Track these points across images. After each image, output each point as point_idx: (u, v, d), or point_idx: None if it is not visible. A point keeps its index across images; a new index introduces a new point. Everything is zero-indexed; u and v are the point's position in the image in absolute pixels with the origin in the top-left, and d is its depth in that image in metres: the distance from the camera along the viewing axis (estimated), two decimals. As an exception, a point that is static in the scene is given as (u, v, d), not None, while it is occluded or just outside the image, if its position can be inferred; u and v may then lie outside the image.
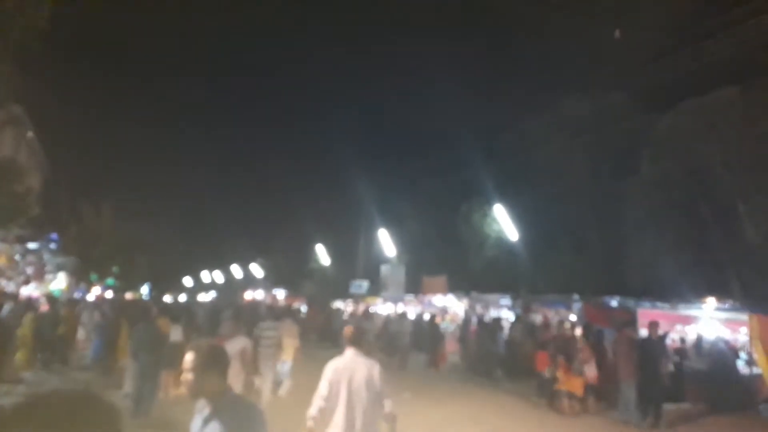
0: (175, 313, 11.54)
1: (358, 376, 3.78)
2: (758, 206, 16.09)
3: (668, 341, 11.47)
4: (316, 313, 23.78)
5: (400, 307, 22.71)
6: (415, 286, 23.88)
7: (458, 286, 21.49)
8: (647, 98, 20.41)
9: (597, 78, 22.39)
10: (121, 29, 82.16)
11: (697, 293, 13.60)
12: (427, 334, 16.08)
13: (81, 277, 32.36)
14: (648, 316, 11.33)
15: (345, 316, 21.78)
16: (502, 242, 23.13)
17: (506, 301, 19.09)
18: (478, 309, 19.60)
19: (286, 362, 9.76)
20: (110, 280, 36.73)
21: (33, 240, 23.73)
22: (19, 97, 16.32)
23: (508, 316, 17.70)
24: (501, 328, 15.16)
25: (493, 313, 18.44)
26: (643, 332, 10.55)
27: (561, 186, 21.72)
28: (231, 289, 52.27)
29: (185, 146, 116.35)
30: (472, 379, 13.59)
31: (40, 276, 24.39)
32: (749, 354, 11.31)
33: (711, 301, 12.58)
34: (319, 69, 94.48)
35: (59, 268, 27.31)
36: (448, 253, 25.62)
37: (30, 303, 13.83)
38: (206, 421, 2.36)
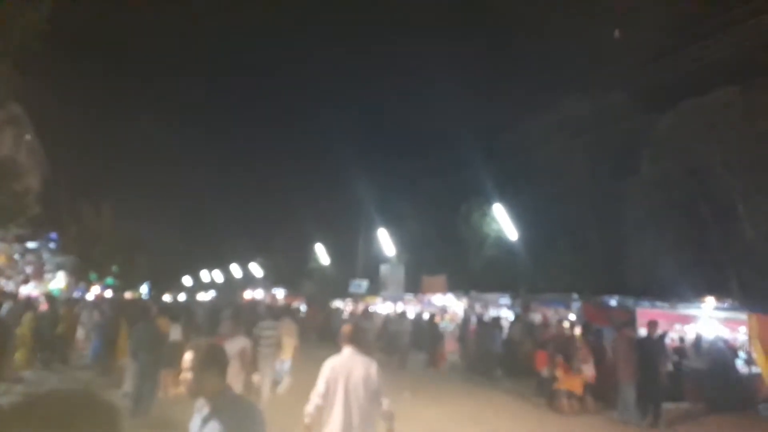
0: (174, 312, 11.53)
1: (355, 375, 3.78)
2: (758, 206, 16.11)
3: (667, 341, 11.47)
4: (316, 313, 23.77)
5: (400, 307, 22.70)
6: (414, 286, 23.89)
7: (458, 285, 21.49)
8: (647, 98, 20.45)
9: (597, 78, 22.41)
10: (121, 29, 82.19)
11: (696, 293, 13.61)
12: (426, 334, 16.07)
13: (80, 276, 32.37)
14: (647, 316, 11.34)
15: (344, 316, 21.79)
16: (501, 242, 23.14)
17: (506, 300, 19.10)
18: (478, 308, 19.60)
19: (285, 361, 9.77)
20: (110, 280, 36.73)
21: (32, 239, 23.73)
22: (19, 97, 16.33)
23: (507, 315, 17.70)
24: (500, 327, 15.15)
25: (492, 312, 18.44)
26: (643, 332, 10.55)
27: (561, 186, 21.73)
28: (230, 288, 52.25)
29: (185, 146, 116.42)
30: (471, 378, 13.59)
31: (39, 275, 24.40)
32: (748, 353, 11.34)
33: (710, 301, 12.60)
34: (319, 69, 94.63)
35: (58, 267, 27.32)
36: (447, 253, 25.64)
37: (29, 302, 13.81)
38: (205, 421, 2.36)
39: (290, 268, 41.18)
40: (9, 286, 20.32)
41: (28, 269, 23.72)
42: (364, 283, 27.88)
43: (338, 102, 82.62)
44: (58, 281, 26.87)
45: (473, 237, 25.25)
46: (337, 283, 31.66)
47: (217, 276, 61.71)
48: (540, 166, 22.70)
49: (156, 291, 48.65)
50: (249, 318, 10.20)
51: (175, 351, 7.21)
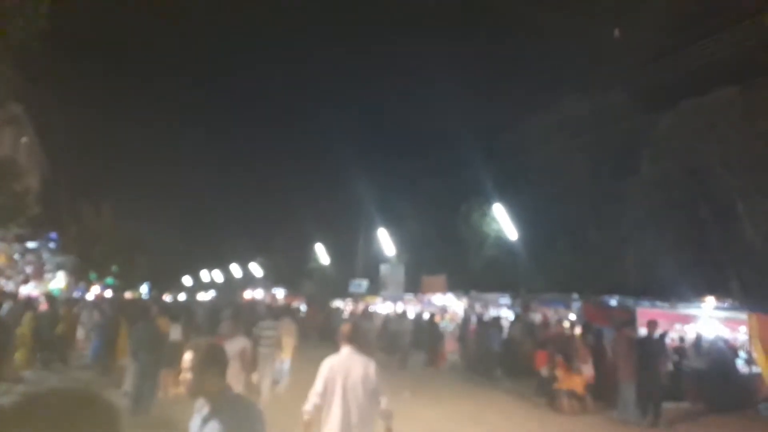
0: (174, 312, 11.56)
1: (353, 374, 3.78)
2: (758, 206, 16.10)
3: (667, 340, 11.46)
4: (316, 313, 23.78)
5: (400, 307, 22.72)
6: (414, 286, 23.90)
7: (458, 285, 21.50)
8: (647, 98, 20.39)
9: (597, 78, 22.40)
10: (121, 29, 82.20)
11: (696, 293, 13.60)
12: (426, 334, 16.08)
13: (80, 276, 32.36)
14: (647, 315, 11.33)
15: (344, 315, 21.79)
16: (501, 242, 23.13)
17: (505, 300, 19.10)
18: (478, 308, 19.61)
19: (285, 361, 9.78)
20: (110, 280, 36.71)
21: (32, 239, 23.70)
22: (19, 97, 16.31)
23: (507, 315, 17.71)
24: (500, 327, 15.16)
25: (492, 312, 18.45)
26: (643, 331, 10.55)
27: (561, 186, 21.73)
28: (230, 288, 52.29)
29: (185, 146, 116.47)
30: (471, 378, 13.59)
31: (39, 275, 24.39)
32: (748, 353, 11.34)
33: (710, 301, 12.60)
34: (319, 69, 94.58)
35: (58, 267, 27.30)
36: (447, 253, 25.64)
37: (29, 302, 13.81)
38: (205, 421, 2.36)
39: (290, 268, 41.19)
40: (9, 286, 20.30)
41: (28, 269, 23.70)
42: (364, 283, 27.89)
43: (338, 102, 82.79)
44: (58, 281, 26.86)
45: (473, 237, 25.25)
46: (337, 283, 31.68)
47: (217, 276, 61.75)
48: (540, 166, 22.68)
49: (156, 291, 48.65)
50: (249, 318, 10.23)
51: (175, 351, 7.22)
